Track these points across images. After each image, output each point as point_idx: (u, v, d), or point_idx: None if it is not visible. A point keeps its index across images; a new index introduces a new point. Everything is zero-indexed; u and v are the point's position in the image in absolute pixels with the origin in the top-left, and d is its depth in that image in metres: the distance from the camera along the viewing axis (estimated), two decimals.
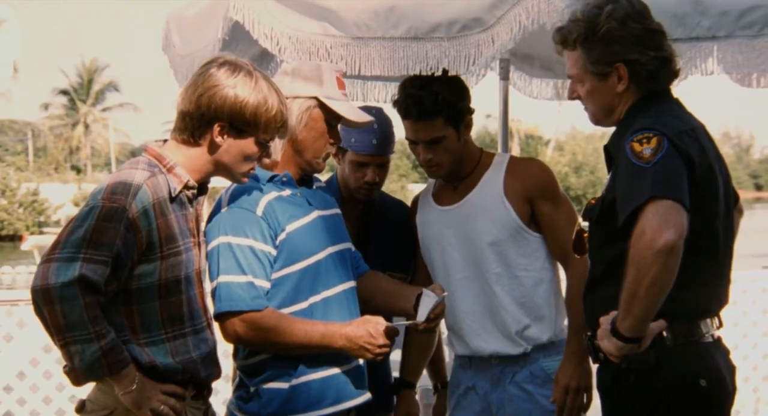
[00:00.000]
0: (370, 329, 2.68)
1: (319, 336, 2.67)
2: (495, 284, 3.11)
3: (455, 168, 3.16)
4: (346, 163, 3.25)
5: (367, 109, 3.37)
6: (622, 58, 2.56)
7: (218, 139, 2.56)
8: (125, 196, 2.44)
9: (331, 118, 2.80)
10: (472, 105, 3.14)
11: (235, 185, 2.74)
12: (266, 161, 2.77)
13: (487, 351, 3.15)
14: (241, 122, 2.55)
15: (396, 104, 3.11)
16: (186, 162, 2.57)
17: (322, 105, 2.77)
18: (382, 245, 3.28)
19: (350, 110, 2.83)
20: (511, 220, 3.09)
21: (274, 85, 2.61)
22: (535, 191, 3.11)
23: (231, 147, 2.57)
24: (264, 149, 2.63)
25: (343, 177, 3.30)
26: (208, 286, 2.70)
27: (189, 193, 2.60)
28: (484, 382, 3.18)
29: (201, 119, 2.54)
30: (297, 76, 2.78)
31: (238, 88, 2.53)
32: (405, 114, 3.09)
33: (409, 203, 3.43)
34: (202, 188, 2.66)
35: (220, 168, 2.61)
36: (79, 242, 2.39)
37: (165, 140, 2.63)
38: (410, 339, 3.29)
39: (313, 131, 2.78)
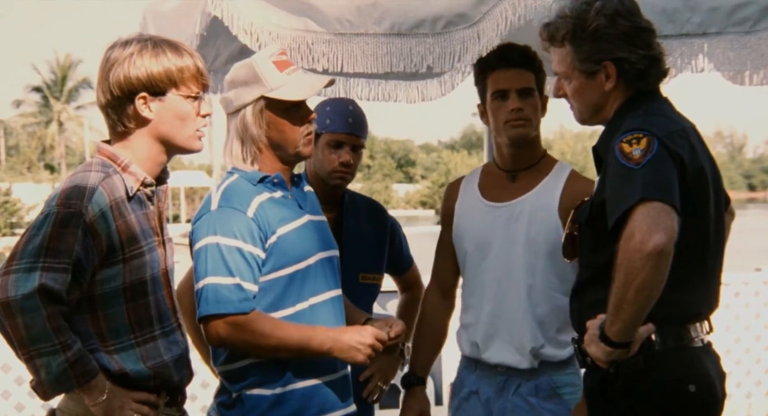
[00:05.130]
0: (359, 329, 2.64)
1: (305, 338, 2.60)
2: (524, 295, 3.00)
3: (532, 137, 3.05)
4: (321, 148, 3.17)
5: (339, 100, 3.34)
6: (611, 56, 2.52)
7: (146, 113, 2.49)
8: (80, 200, 2.37)
9: (287, 105, 2.69)
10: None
11: (226, 183, 2.66)
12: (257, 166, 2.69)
13: (495, 360, 3.06)
14: (157, 83, 2.48)
15: (483, 61, 2.99)
16: (136, 155, 2.50)
17: (271, 100, 2.67)
18: (355, 246, 3.21)
19: (300, 87, 2.70)
20: (557, 235, 2.95)
21: (174, 41, 2.54)
22: None
23: (161, 114, 2.50)
24: (196, 101, 2.54)
25: (314, 171, 3.22)
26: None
27: (147, 191, 2.53)
28: (487, 388, 3.09)
29: (120, 101, 2.48)
30: (236, 86, 2.68)
31: (136, 57, 2.47)
32: (499, 62, 3.00)
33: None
34: (160, 181, 2.59)
35: (167, 143, 2.53)
36: (36, 251, 2.32)
37: (109, 140, 2.56)
38: (421, 330, 3.18)
39: (278, 127, 2.69)
